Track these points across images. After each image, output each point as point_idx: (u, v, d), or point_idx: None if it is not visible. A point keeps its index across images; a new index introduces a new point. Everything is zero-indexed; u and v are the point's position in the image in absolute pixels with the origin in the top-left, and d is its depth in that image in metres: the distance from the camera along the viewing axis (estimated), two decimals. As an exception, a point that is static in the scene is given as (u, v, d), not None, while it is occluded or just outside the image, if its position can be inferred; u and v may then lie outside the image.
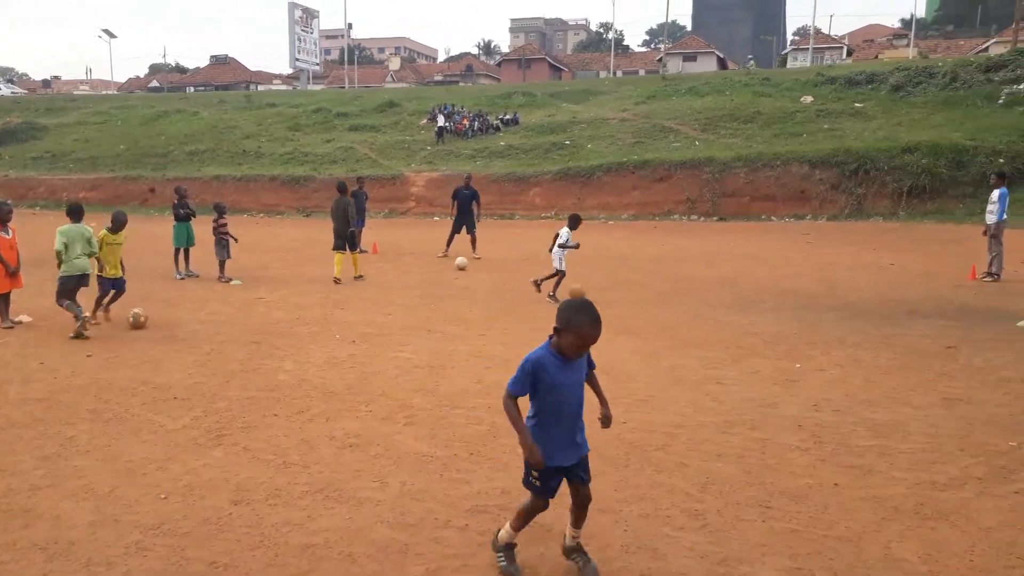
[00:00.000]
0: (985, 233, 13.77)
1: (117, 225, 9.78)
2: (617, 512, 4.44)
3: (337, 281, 13.45)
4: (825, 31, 75.26)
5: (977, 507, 4.50)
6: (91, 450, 5.44)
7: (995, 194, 13.68)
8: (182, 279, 13.96)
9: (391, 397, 6.69)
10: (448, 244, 17.86)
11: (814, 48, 61.64)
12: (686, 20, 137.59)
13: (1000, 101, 29.60)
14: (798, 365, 7.78)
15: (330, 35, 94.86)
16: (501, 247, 19.42)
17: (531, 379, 3.63)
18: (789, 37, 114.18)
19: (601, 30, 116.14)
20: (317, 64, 73.61)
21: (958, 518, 4.36)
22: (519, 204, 30.82)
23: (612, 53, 69.64)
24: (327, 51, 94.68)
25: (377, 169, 33.56)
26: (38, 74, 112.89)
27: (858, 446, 5.49)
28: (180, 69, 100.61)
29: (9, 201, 10.78)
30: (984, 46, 55.72)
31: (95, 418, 6.12)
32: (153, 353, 8.29)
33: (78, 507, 4.52)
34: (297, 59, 68.51)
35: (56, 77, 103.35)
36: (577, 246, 11.77)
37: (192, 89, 76.21)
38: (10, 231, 9.67)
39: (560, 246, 11.73)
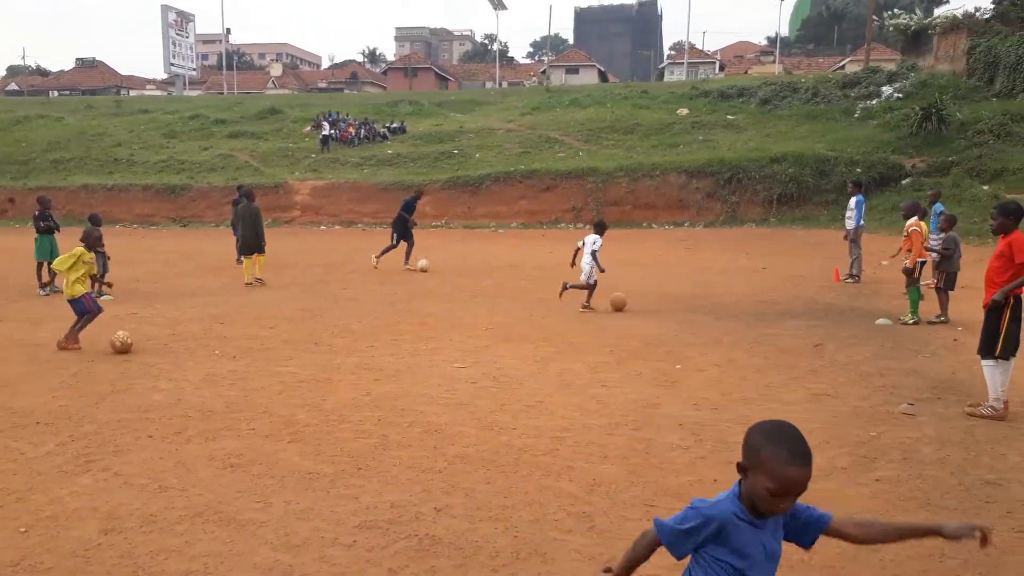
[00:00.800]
0: (845, 238, 14.78)
1: None
2: (507, 519, 4.47)
3: (249, 284, 14.35)
4: (699, 47, 78.80)
5: (844, 495, 4.81)
6: (-62, 484, 4.99)
7: (852, 201, 14.73)
8: (46, 295, 13.03)
9: (274, 414, 6.49)
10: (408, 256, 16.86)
11: (689, 63, 64.48)
12: (568, 34, 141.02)
13: (856, 115, 31.87)
14: (678, 366, 8.09)
15: (207, 39, 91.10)
16: (390, 257, 19.18)
17: (700, 541, 2.24)
18: (666, 52, 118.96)
19: (486, 41, 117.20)
20: (193, 69, 70.60)
21: (827, 507, 4.60)
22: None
23: (497, 64, 70.36)
24: (204, 56, 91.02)
25: (259, 177, 32.50)
26: None
27: (735, 443, 5.71)
28: (42, 72, 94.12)
29: None
30: (841, 64, 59.85)
31: (-57, 449, 5.63)
32: (11, 375, 7.71)
33: (-77, 547, 4.14)
34: (172, 64, 65.49)
35: None
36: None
37: (56, 93, 71.39)
38: None
39: (592, 254, 11.41)
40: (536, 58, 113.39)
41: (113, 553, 4.07)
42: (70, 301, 9.10)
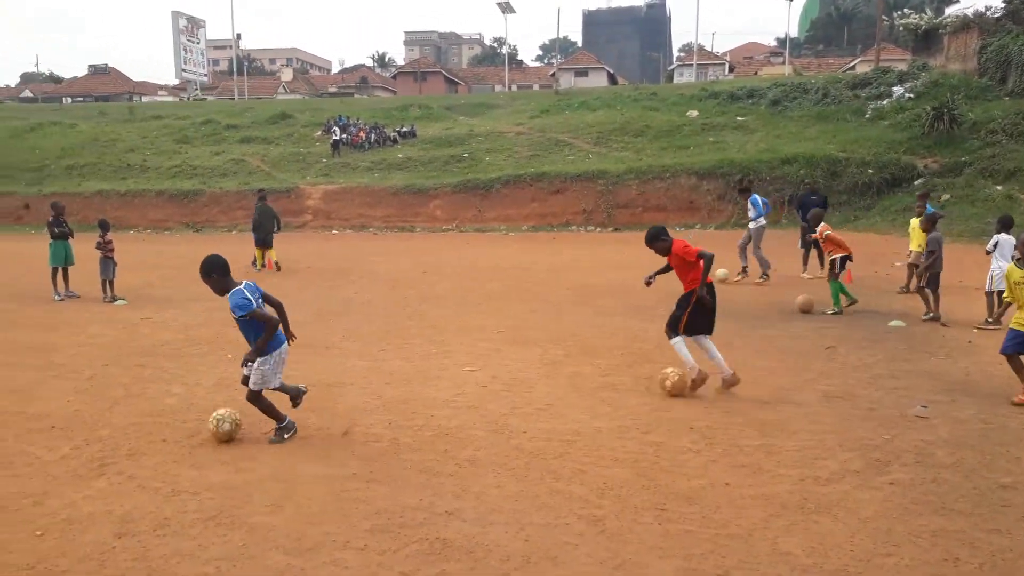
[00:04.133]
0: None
1: None
2: (517, 523, 4.47)
3: (253, 265, 17.34)
4: (708, 48, 78.67)
5: (856, 499, 4.78)
6: (-45, 488, 5.04)
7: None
8: (61, 300, 13.16)
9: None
10: None
11: (698, 64, 64.35)
12: (577, 36, 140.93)
13: (867, 116, 31.72)
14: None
15: (218, 45, 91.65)
16: (401, 260, 19.25)
17: None
18: (675, 54, 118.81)
19: (495, 45, 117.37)
20: (205, 75, 71.07)
21: (839, 510, 4.62)
22: (419, 216, 30.72)
23: (507, 68, 70.49)
24: (215, 62, 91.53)
25: (271, 182, 32.67)
26: None
27: (747, 445, 5.74)
28: (55, 79, 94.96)
29: None
30: (851, 64, 59.54)
31: (-40, 453, 5.68)
32: (26, 381, 7.78)
33: (-60, 551, 4.18)
34: (184, 70, 65.95)
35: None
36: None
37: (69, 100, 72.03)
38: None
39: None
40: (545, 61, 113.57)
41: (127, 556, 4.10)
42: None
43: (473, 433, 6.07)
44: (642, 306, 11.92)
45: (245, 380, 5.92)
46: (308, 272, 17.22)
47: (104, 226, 13.51)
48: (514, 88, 69.54)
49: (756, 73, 63.42)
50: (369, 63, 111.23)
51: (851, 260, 11.38)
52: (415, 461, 5.48)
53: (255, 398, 5.91)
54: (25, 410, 6.76)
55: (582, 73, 71.30)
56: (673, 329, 7.22)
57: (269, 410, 5.96)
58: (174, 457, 5.59)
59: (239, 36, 79.90)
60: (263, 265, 17.87)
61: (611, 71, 76.08)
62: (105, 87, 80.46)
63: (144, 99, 69.49)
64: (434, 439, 5.93)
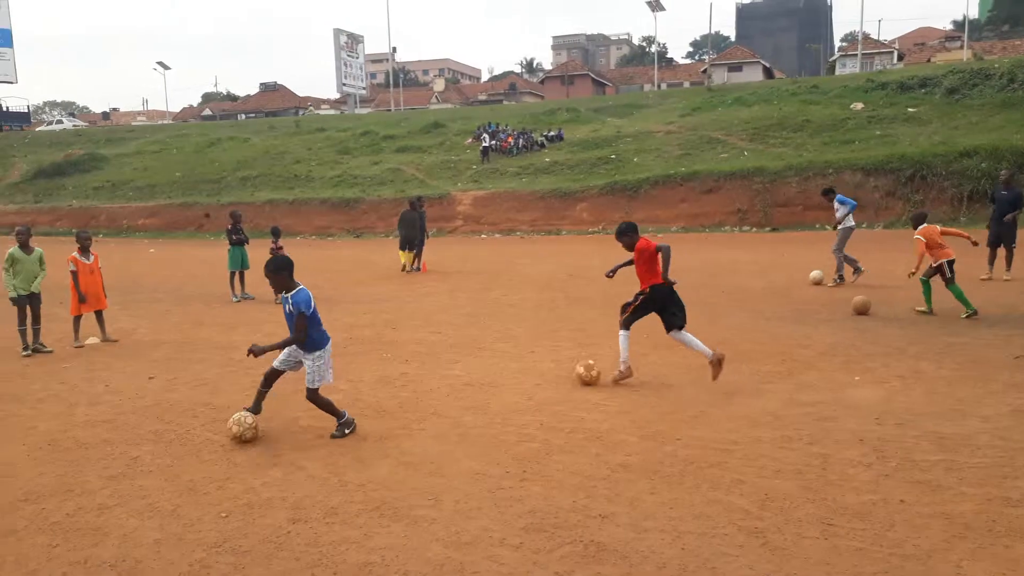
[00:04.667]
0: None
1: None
2: (673, 531, 4.37)
3: (404, 269, 18.01)
4: (874, 36, 73.79)
5: (1053, 523, 4.31)
6: (154, 470, 5.59)
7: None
8: (238, 302, 14.29)
9: (443, 415, 6.73)
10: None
11: (863, 54, 60.49)
12: (730, 31, 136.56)
13: (1062, 101, 28.60)
14: (857, 378, 7.59)
15: (375, 59, 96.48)
16: (548, 263, 19.41)
17: None
18: (837, 44, 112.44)
19: (644, 44, 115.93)
20: (363, 88, 74.98)
21: (1032, 535, 4.18)
22: (566, 219, 30.83)
23: (656, 66, 69.35)
24: (373, 75, 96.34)
25: (424, 189, 33.93)
26: (98, 107, 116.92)
27: (924, 461, 5.32)
28: (231, 97, 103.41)
29: (88, 230, 11.35)
30: (1042, 45, 54.02)
31: (158, 439, 6.29)
32: (211, 375, 8.49)
33: (143, 525, 4.65)
34: (344, 84, 69.87)
35: (115, 109, 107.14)
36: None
37: (243, 116, 78.26)
38: (91, 256, 10.25)
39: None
40: (696, 58, 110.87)
41: (301, 541, 4.38)
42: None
43: (624, 438, 6.00)
44: (804, 310, 11.37)
45: (259, 352, 6.03)
46: (458, 276, 17.71)
47: (276, 233, 14.58)
48: (663, 87, 68.37)
49: (929, 60, 58.92)
50: (517, 70, 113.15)
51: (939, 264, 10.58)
52: (567, 463, 5.49)
53: (314, 396, 6.22)
54: (211, 402, 7.38)
55: (736, 68, 69.00)
56: (624, 322, 7.74)
57: (328, 407, 6.27)
58: (340, 450, 5.91)
59: (394, 50, 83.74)
60: (411, 268, 18.37)
61: (767, 65, 73.14)
62: (274, 103, 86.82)
63: (309, 112, 74.27)
64: (585, 442, 5.92)
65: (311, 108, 78.29)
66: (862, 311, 10.96)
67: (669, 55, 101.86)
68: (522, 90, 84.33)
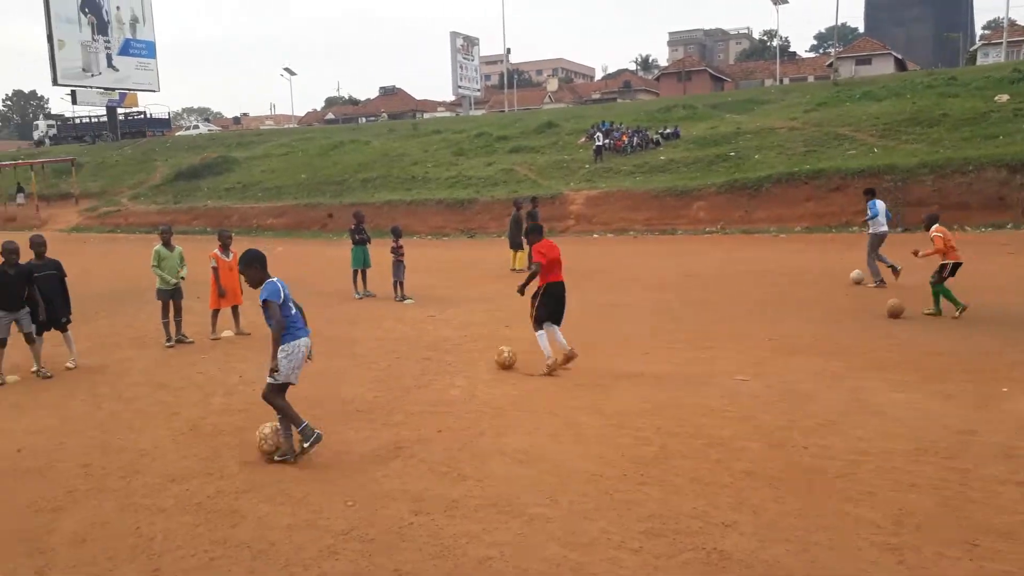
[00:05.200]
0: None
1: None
2: (800, 542, 4.21)
3: (514, 271, 17.47)
4: (1021, 23, 68.36)
5: None
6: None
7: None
8: (360, 299, 14.81)
9: (557, 414, 6.75)
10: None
11: (1008, 42, 56.14)
12: (858, 22, 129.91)
13: None
14: (1005, 389, 7.06)
15: (490, 61, 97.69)
16: (662, 263, 19.08)
17: None
18: (978, 32, 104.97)
19: (765, 38, 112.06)
20: (478, 90, 76.12)
21: None
22: (681, 219, 30.17)
23: (778, 60, 66.86)
24: (487, 76, 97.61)
25: (537, 189, 34.04)
26: (229, 111, 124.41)
27: (1081, 482, 4.89)
28: (353, 101, 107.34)
29: (229, 229, 12.17)
30: None
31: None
32: (336, 368, 8.85)
33: (276, 510, 4.90)
34: (459, 86, 71.17)
35: (245, 114, 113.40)
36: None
37: (364, 120, 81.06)
38: (231, 254, 10.86)
39: None
40: (821, 51, 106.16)
41: (423, 532, 4.50)
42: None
43: (747, 444, 5.82)
44: (943, 316, 10.66)
45: (275, 368, 5.74)
46: (570, 275, 17.66)
47: (396, 232, 15.03)
48: (786, 81, 65.93)
49: (1084, 46, 54.04)
50: (632, 67, 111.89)
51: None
52: (686, 468, 5.38)
53: (271, 392, 5.73)
54: (337, 394, 7.69)
55: (864, 61, 65.60)
56: (535, 323, 8.45)
57: (284, 411, 5.72)
58: (458, 445, 6.03)
59: (509, 51, 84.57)
60: (516, 268, 18.36)
61: (898, 56, 69.19)
62: (393, 106, 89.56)
63: (425, 115, 76.18)
64: (706, 448, 5.79)
65: (420, 114, 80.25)
66: (895, 314, 10.74)
67: (792, 49, 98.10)
68: (636, 88, 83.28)
